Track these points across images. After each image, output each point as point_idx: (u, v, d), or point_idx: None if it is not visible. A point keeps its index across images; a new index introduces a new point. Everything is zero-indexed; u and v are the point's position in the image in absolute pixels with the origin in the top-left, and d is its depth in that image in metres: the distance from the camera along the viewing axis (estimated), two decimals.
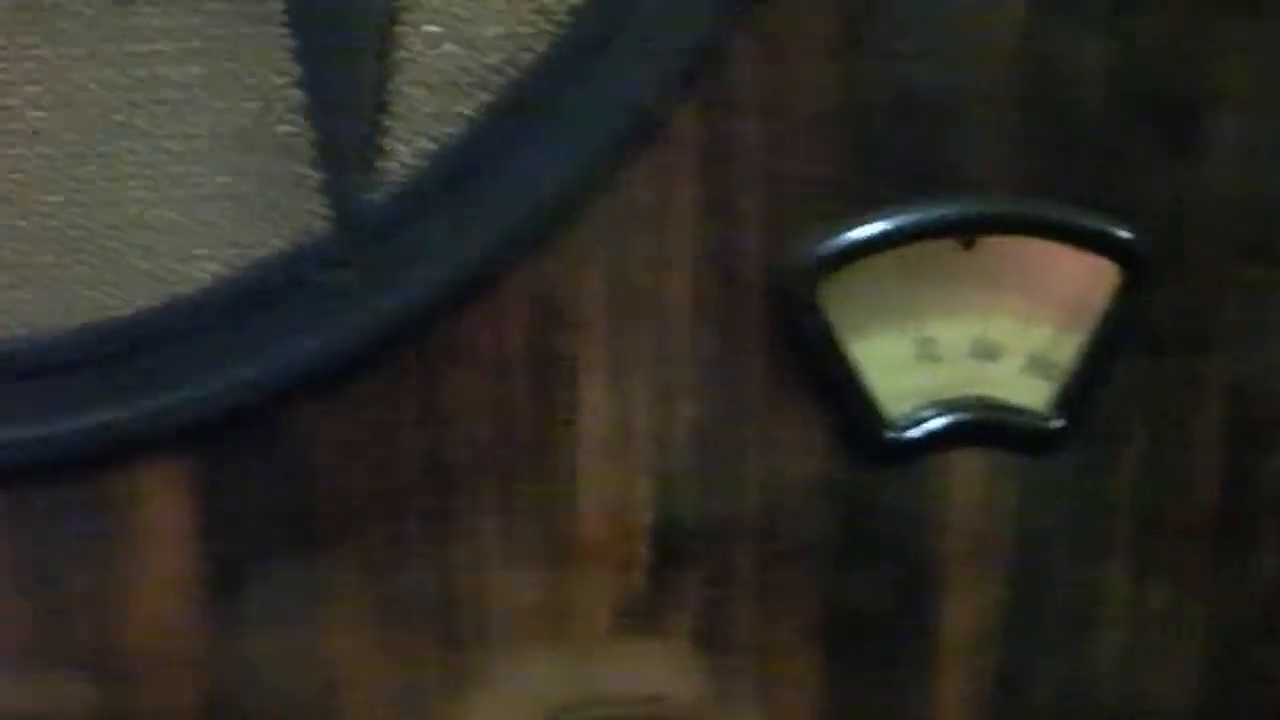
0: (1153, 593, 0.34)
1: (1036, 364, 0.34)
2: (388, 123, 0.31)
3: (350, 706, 0.34)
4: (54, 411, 0.32)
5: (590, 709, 0.33)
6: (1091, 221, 0.33)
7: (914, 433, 0.33)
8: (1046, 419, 0.33)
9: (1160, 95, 0.32)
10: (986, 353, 0.34)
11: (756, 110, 0.31)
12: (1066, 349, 0.33)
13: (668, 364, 0.32)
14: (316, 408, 0.32)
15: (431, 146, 0.31)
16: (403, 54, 0.31)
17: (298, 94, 0.31)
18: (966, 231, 0.32)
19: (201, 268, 0.32)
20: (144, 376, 0.32)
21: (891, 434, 0.33)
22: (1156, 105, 0.32)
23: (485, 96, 0.31)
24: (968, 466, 0.33)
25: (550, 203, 0.31)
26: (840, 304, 0.32)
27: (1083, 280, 0.33)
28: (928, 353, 0.34)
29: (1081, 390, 0.33)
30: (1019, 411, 0.33)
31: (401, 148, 0.31)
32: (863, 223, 0.32)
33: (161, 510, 0.32)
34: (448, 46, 0.31)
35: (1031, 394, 0.34)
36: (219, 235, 0.32)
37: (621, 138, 0.31)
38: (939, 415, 0.33)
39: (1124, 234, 0.33)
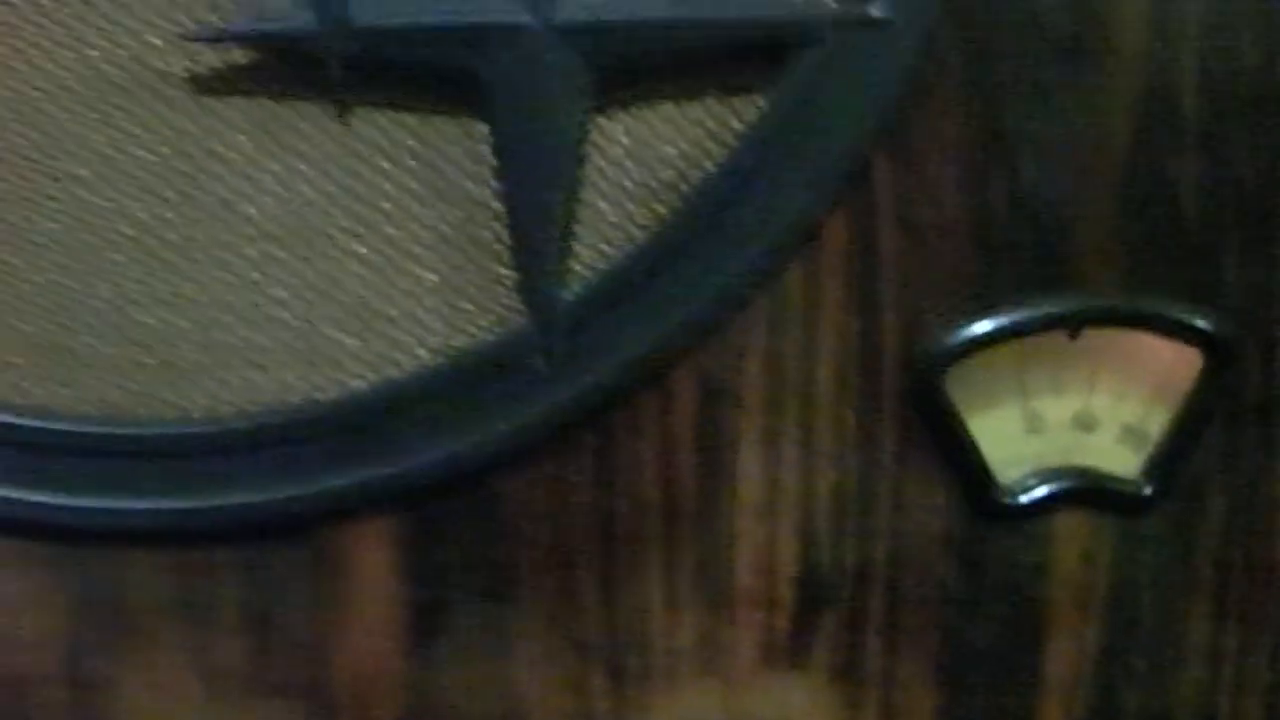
0: (1230, 635, 0.40)
1: (1129, 435, 0.39)
2: (577, 230, 0.36)
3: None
4: (282, 479, 0.37)
5: None
6: (1179, 314, 0.38)
7: (1023, 497, 0.38)
8: (1138, 485, 0.39)
9: (1246, 201, 0.37)
10: (1085, 425, 0.39)
11: (894, 219, 0.36)
12: (1156, 422, 0.39)
13: (813, 437, 0.37)
14: (509, 476, 0.37)
15: (613, 251, 0.36)
16: (591, 170, 0.36)
17: (498, 205, 0.36)
18: (1072, 324, 0.37)
19: (411, 354, 0.37)
20: (360, 449, 0.37)
21: (1004, 498, 0.38)
22: (1243, 211, 0.37)
23: (661, 208, 0.36)
24: (1069, 524, 0.38)
25: (716, 301, 0.36)
26: (961, 384, 0.38)
27: (1172, 363, 0.38)
28: (1035, 426, 0.39)
29: (1169, 459, 0.38)
30: (1113, 478, 0.39)
31: (587, 252, 0.37)
32: (984, 319, 0.37)
33: (370, 562, 0.38)
34: (629, 164, 0.36)
35: (1124, 463, 0.39)
36: (427, 326, 0.37)
37: (778, 244, 0.36)
38: (1044, 482, 0.38)
39: (1206, 324, 0.38)
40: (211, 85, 0.35)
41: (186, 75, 0.35)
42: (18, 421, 0.36)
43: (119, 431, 0.37)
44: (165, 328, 0.36)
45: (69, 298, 0.36)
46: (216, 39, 0.35)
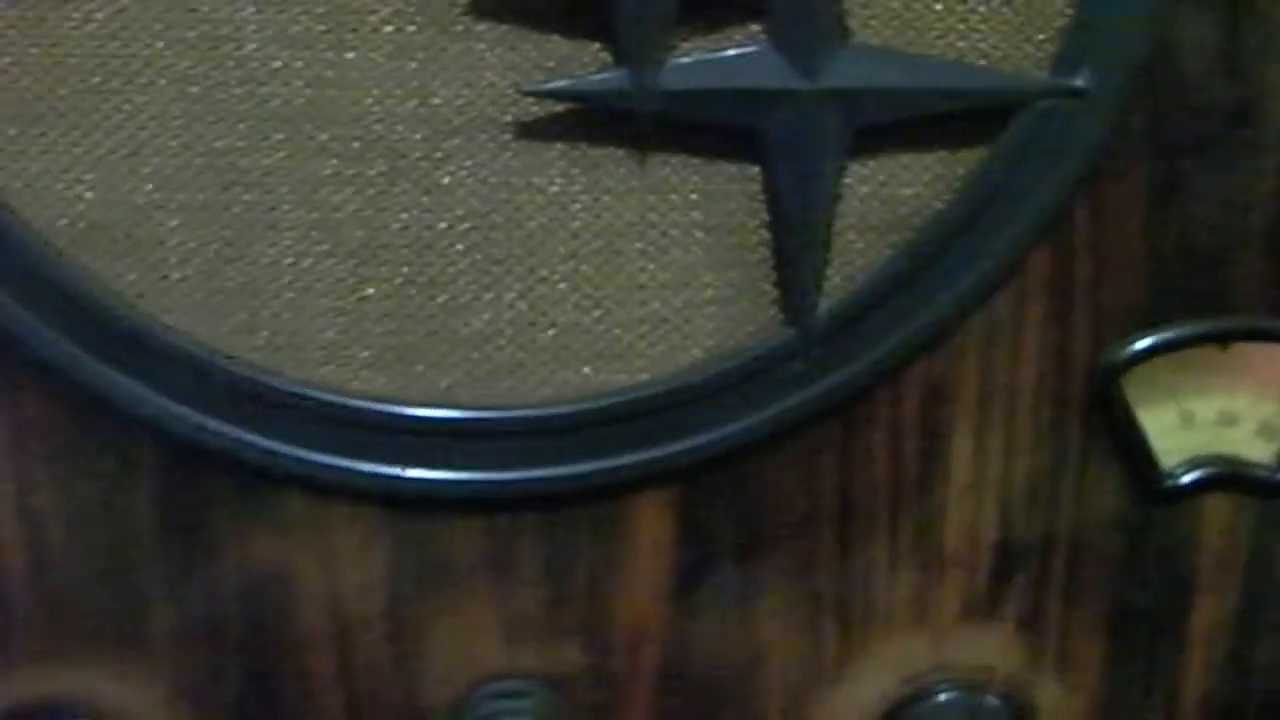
0: None
1: (1265, 430, 0.48)
2: (830, 255, 0.45)
3: (771, 670, 0.48)
4: (580, 457, 0.46)
5: (942, 674, 0.48)
6: None
7: (1178, 481, 0.48)
8: (1272, 471, 0.48)
9: None
10: (1228, 421, 0.48)
11: (1086, 253, 0.45)
12: None
13: (1013, 429, 0.46)
14: (767, 457, 0.46)
15: (859, 274, 0.45)
16: (843, 206, 0.45)
17: (766, 233, 0.45)
18: (1223, 339, 0.47)
19: (690, 354, 0.46)
20: (645, 434, 0.46)
21: (1163, 482, 0.48)
22: None
23: (897, 239, 0.45)
24: (1215, 504, 0.48)
25: (940, 317, 0.45)
26: (1132, 387, 0.47)
27: None
28: (1187, 422, 0.48)
29: None
30: (1252, 465, 0.48)
31: (838, 274, 0.45)
32: (1153, 334, 0.46)
33: (648, 527, 0.47)
34: (874, 203, 0.45)
35: (1261, 452, 0.48)
36: (705, 331, 0.46)
37: (993, 271, 0.45)
38: (1195, 468, 0.48)
39: None
40: (535, 131, 0.44)
41: (514, 122, 0.44)
42: (358, 404, 0.45)
43: (444, 415, 0.45)
44: (490, 330, 0.45)
45: (412, 304, 0.45)
46: (545, 94, 0.44)
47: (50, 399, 0.44)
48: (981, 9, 0.44)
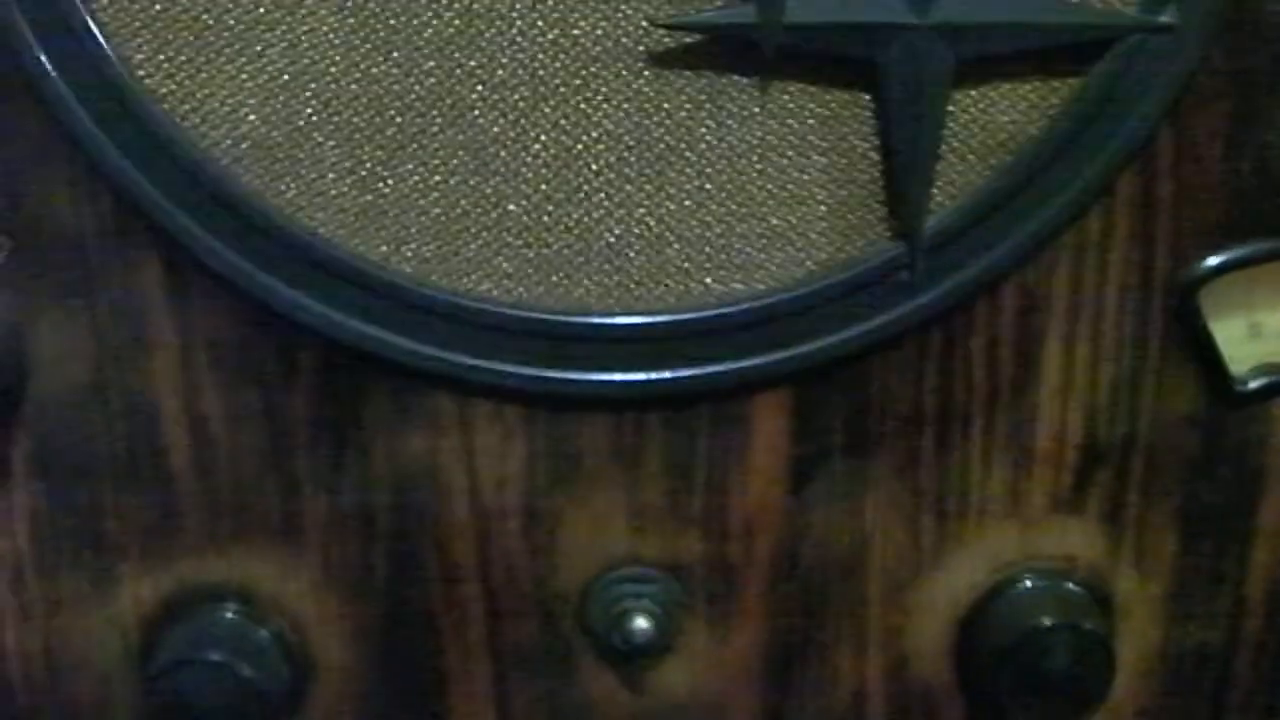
0: None
1: None
2: (935, 176, 0.51)
3: (874, 559, 0.54)
4: (705, 360, 0.51)
5: (1028, 563, 0.54)
6: None
7: (1248, 386, 0.54)
8: None
9: None
10: None
11: (1169, 177, 0.51)
12: None
13: (1099, 338, 0.52)
14: (876, 362, 0.52)
15: (961, 194, 0.51)
16: (947, 132, 0.51)
17: (876, 155, 0.51)
18: None
19: (803, 265, 0.52)
20: (764, 339, 0.52)
21: (1235, 387, 0.53)
22: None
23: (996, 162, 0.51)
24: None
25: (1036, 233, 0.51)
26: (1208, 300, 0.53)
27: None
28: (1256, 332, 0.54)
29: None
30: None
31: (942, 193, 0.51)
32: (1228, 251, 0.52)
33: (765, 425, 0.52)
34: (974, 128, 0.51)
35: None
36: (819, 245, 0.51)
37: (1083, 193, 0.51)
38: (1264, 375, 0.54)
39: None
40: (665, 60, 0.50)
41: (646, 51, 0.50)
42: (501, 311, 0.51)
43: (579, 320, 0.51)
44: (621, 244, 0.51)
45: (550, 219, 0.51)
46: (676, 26, 0.49)
47: (216, 308, 0.50)
48: None
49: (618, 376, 0.51)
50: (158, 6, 0.48)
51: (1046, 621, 0.53)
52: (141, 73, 0.48)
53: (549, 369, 0.51)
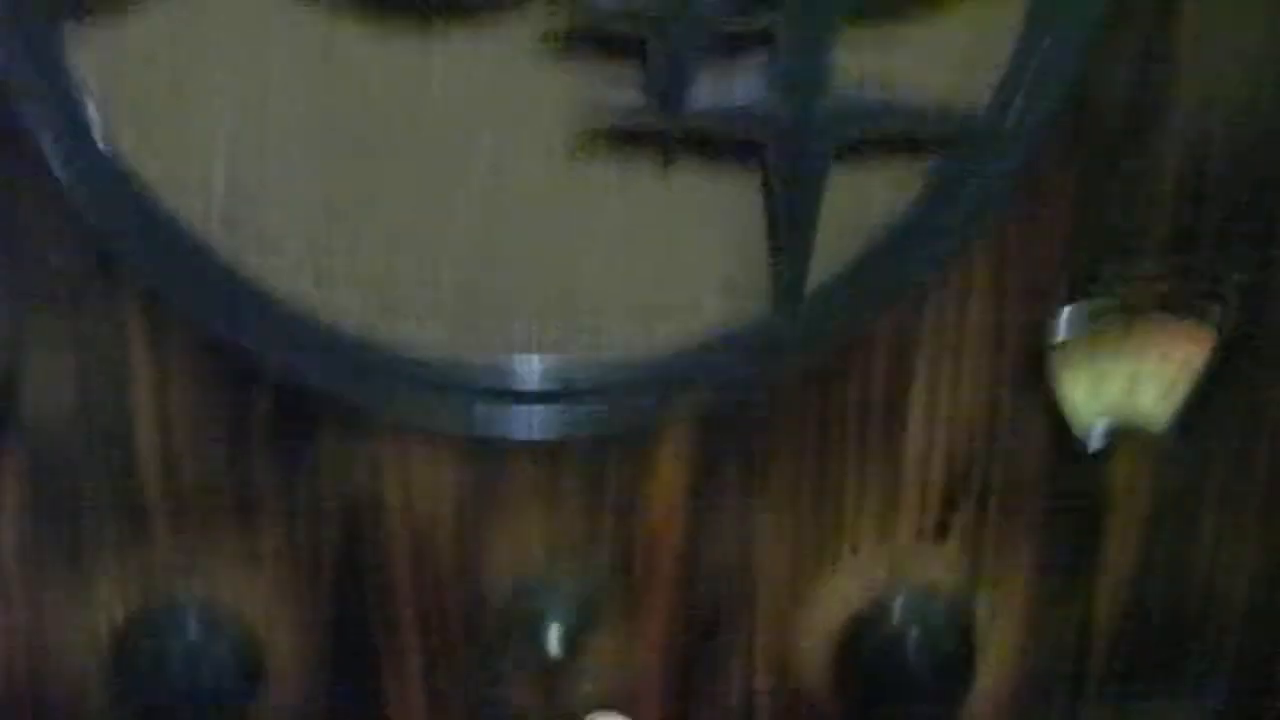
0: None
1: (1163, 393, 0.62)
2: (814, 246, 0.59)
3: (761, 580, 0.62)
4: (614, 404, 0.60)
5: (897, 586, 0.62)
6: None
7: (1093, 431, 0.62)
8: (1167, 426, 0.63)
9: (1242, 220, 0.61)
10: (1134, 386, 0.62)
11: (1019, 243, 0.59)
12: (1183, 385, 0.62)
13: (959, 389, 0.61)
14: (764, 401, 0.60)
15: (837, 259, 0.60)
16: (823, 207, 0.59)
17: (764, 227, 0.59)
18: (1132, 317, 0.62)
19: (700, 321, 0.59)
20: (666, 383, 0.60)
21: (1082, 434, 0.62)
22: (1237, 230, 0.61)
23: (867, 232, 0.59)
24: (1123, 452, 0.62)
25: (901, 294, 0.60)
26: (1057, 354, 0.61)
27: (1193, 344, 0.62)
28: (1100, 385, 0.62)
29: (1192, 408, 0.62)
30: (1152, 421, 0.62)
31: (820, 259, 0.59)
32: (1075, 311, 0.61)
33: (667, 457, 0.60)
34: (849, 204, 0.60)
35: (1160, 410, 0.62)
36: (713, 304, 0.59)
37: (943, 258, 0.59)
38: (1106, 424, 0.62)
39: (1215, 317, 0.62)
40: (584, 140, 0.58)
41: (565, 138, 0.58)
42: (438, 357, 0.59)
43: (508, 368, 0.59)
44: (542, 303, 0.59)
45: (479, 282, 0.58)
46: (593, 114, 0.58)
47: (187, 349, 0.58)
48: (939, 58, 0.58)
49: (537, 418, 0.60)
50: (143, 87, 0.56)
51: (913, 636, 0.62)
52: (127, 144, 0.57)
53: (477, 411, 0.60)
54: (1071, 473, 0.62)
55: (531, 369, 0.60)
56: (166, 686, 0.61)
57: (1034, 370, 0.61)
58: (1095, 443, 0.62)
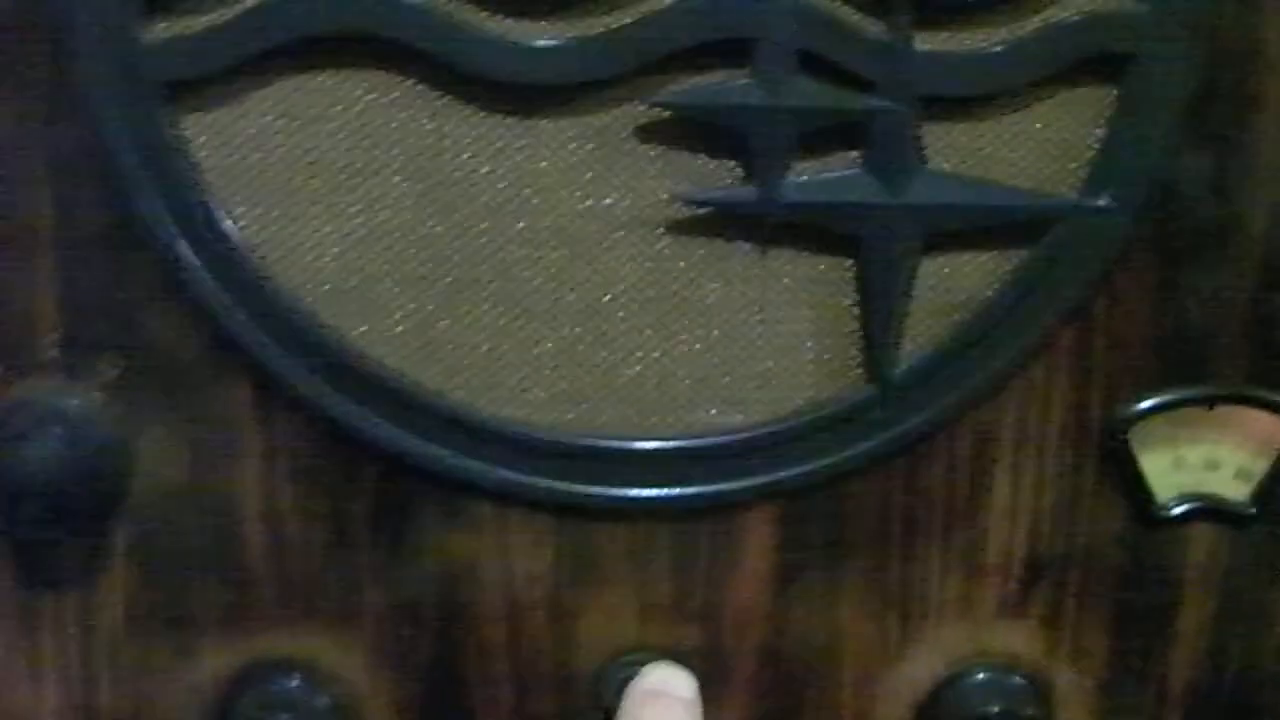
0: None
1: (1241, 474, 0.66)
2: (904, 330, 0.62)
3: (846, 651, 0.65)
4: (709, 480, 0.63)
5: (978, 658, 0.65)
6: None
7: (1171, 512, 0.65)
8: (1246, 507, 0.66)
9: None
10: (1212, 466, 0.66)
11: (1103, 333, 0.62)
12: (1261, 466, 0.65)
13: (1043, 468, 0.64)
14: (852, 483, 0.63)
15: (926, 344, 0.63)
16: (914, 294, 0.63)
17: (855, 311, 0.62)
18: (1211, 402, 0.64)
19: (791, 402, 0.63)
20: (755, 462, 0.63)
21: (1159, 513, 0.65)
22: None
23: (956, 318, 0.63)
24: (1201, 531, 0.65)
25: (988, 379, 0.63)
26: (1137, 437, 0.65)
27: (1272, 428, 0.65)
28: (1179, 466, 0.66)
29: (1268, 490, 0.65)
30: (1231, 502, 0.66)
31: (909, 344, 0.63)
32: (1155, 397, 0.64)
33: (754, 536, 0.64)
34: (933, 293, 0.63)
35: (1239, 491, 0.65)
36: (803, 385, 0.63)
37: (1029, 347, 0.62)
38: (1184, 503, 0.66)
39: None
40: (681, 227, 0.61)
41: (666, 220, 0.61)
42: (537, 435, 0.62)
43: (601, 444, 0.63)
44: (639, 380, 0.62)
45: (579, 357, 0.62)
46: (691, 200, 0.61)
47: (295, 424, 0.61)
48: (1030, 144, 0.62)
49: (632, 492, 0.63)
50: (255, 171, 0.60)
51: (993, 709, 0.65)
52: (240, 224, 0.60)
53: (574, 484, 0.63)
54: (1149, 552, 0.65)
55: (627, 445, 0.63)
56: None
57: (1115, 454, 0.64)
58: (1173, 519, 0.65)
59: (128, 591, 0.64)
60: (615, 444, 0.63)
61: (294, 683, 0.64)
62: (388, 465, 0.62)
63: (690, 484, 0.63)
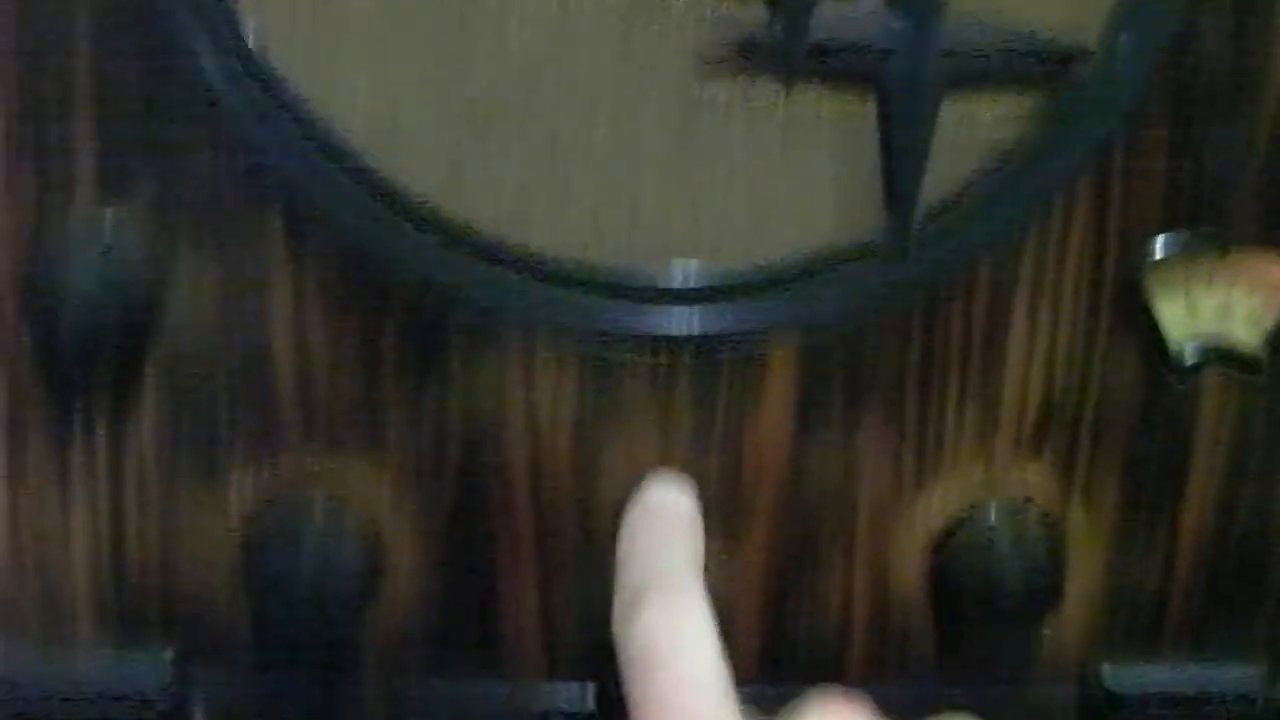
0: None
1: (1254, 321, 0.67)
2: (925, 172, 0.64)
3: (863, 490, 0.67)
4: (729, 316, 0.65)
5: (993, 499, 0.68)
6: None
7: (1186, 356, 0.67)
8: (1257, 351, 0.68)
9: None
10: (1225, 314, 0.67)
11: (1120, 177, 0.64)
12: (1273, 313, 0.67)
13: (1059, 309, 0.66)
14: (870, 321, 0.65)
15: (946, 183, 0.65)
16: (938, 130, 0.65)
17: (878, 149, 0.65)
18: (1224, 247, 0.67)
19: (813, 241, 0.65)
20: (776, 299, 0.65)
21: (1174, 357, 0.67)
22: None
23: (975, 158, 0.65)
24: (1213, 375, 0.67)
25: (1007, 221, 0.65)
26: (1153, 281, 0.67)
27: None
28: (1192, 313, 0.68)
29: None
30: (1243, 349, 0.67)
31: (930, 182, 0.65)
32: (1170, 242, 0.66)
33: (775, 372, 0.65)
34: (960, 131, 0.64)
35: (1251, 337, 0.67)
36: (824, 222, 0.64)
37: (1048, 188, 0.64)
38: (1197, 350, 0.67)
39: None
40: (708, 67, 0.63)
41: (693, 60, 0.62)
42: (566, 268, 0.64)
43: (631, 277, 0.64)
44: (666, 216, 0.64)
45: (608, 192, 0.63)
46: (722, 42, 0.63)
47: (326, 254, 0.63)
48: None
49: (656, 324, 0.65)
50: (294, 4, 0.62)
51: (1006, 545, 0.67)
52: (275, 50, 0.62)
53: (599, 316, 0.65)
54: (1162, 398, 0.67)
55: (653, 279, 0.65)
56: (293, 577, 0.66)
57: (1130, 302, 0.66)
58: (1186, 363, 0.67)
59: (157, 419, 0.66)
60: (641, 278, 0.65)
61: (319, 510, 0.67)
62: (416, 295, 0.64)
63: (712, 319, 0.65)
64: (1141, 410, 0.68)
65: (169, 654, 0.69)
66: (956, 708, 0.62)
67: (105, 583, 0.68)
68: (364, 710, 0.70)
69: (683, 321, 0.65)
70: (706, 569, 0.61)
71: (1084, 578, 0.69)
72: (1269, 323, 0.67)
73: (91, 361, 0.65)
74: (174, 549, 0.68)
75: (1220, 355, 0.67)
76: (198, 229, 0.64)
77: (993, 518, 0.68)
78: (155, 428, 0.66)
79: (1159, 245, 0.65)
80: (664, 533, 0.64)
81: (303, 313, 0.65)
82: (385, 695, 0.70)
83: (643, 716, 0.57)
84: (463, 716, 0.71)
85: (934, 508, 0.68)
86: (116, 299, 0.64)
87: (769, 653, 0.69)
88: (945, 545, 0.68)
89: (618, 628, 0.60)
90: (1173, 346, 0.67)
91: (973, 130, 0.64)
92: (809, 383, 0.66)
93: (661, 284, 0.65)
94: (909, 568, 0.69)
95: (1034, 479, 0.68)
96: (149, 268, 0.64)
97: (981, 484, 0.68)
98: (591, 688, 0.70)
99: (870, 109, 0.63)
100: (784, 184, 0.64)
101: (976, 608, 0.68)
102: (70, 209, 0.63)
